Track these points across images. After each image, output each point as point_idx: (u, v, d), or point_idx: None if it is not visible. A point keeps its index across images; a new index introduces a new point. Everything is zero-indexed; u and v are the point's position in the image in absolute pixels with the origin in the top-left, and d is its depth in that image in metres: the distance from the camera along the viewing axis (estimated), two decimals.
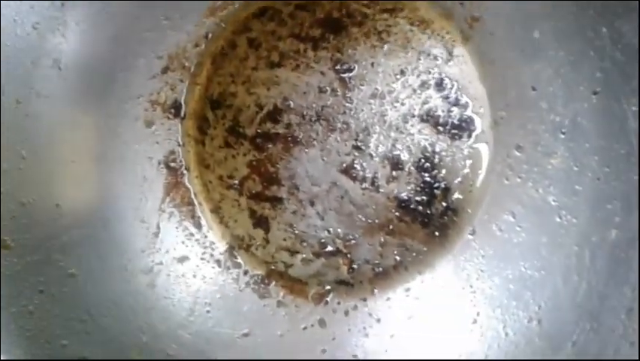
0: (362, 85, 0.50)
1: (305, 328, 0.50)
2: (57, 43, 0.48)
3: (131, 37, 0.51)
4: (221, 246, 0.53)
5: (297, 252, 0.52)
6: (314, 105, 0.51)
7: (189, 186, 0.54)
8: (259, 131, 0.52)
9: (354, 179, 0.50)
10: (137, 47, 0.52)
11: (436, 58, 0.48)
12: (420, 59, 0.48)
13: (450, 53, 0.48)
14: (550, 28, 0.44)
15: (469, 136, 0.48)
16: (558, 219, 0.43)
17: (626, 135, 0.40)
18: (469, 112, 0.48)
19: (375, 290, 0.50)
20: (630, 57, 0.39)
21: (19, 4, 0.46)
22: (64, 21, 0.48)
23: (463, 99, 0.48)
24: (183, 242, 0.53)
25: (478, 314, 0.45)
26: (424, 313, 0.47)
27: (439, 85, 0.48)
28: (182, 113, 0.54)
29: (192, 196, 0.54)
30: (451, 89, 0.48)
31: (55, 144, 0.49)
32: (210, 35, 0.53)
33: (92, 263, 0.49)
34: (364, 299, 0.50)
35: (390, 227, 0.49)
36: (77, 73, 0.49)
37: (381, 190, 0.50)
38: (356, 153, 0.50)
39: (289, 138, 0.52)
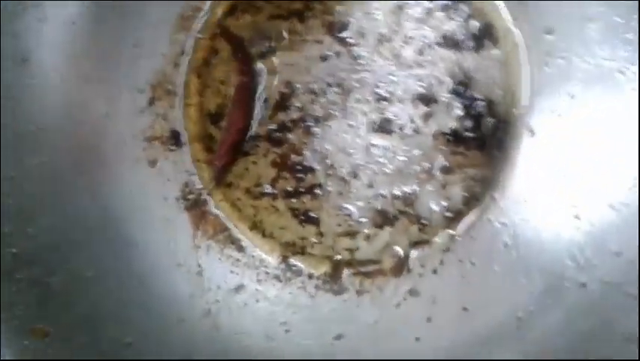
0: (364, 37, 0.46)
1: (398, 304, 0.44)
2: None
3: (107, 77, 0.47)
4: (274, 259, 0.47)
5: (357, 232, 0.46)
6: (321, 76, 0.47)
7: (217, 212, 0.48)
8: (272, 126, 0.48)
9: (389, 132, 0.46)
10: (115, 86, 0.48)
11: None
12: None
13: None
14: None
15: (493, 42, 0.45)
16: (620, 75, 0.40)
17: None
18: (484, 19, 0.45)
19: (455, 235, 0.45)
20: None
21: None
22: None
23: (474, 9, 0.45)
24: (232, 271, 0.47)
25: (576, 206, 0.40)
26: (517, 233, 0.42)
27: (444, 6, 0.45)
28: (184, 140, 0.49)
29: (224, 221, 0.48)
30: (458, 5, 0.45)
31: None
32: (187, 50, 0.49)
33: (146, 328, 0.43)
34: (447, 250, 0.45)
35: (446, 164, 0.45)
36: (61, 133, 0.45)
37: (422, 132, 0.45)
38: (382, 106, 0.46)
39: (307, 120, 0.47)
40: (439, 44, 0.46)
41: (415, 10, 0.46)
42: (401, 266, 0.45)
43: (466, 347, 0.40)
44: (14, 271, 0.39)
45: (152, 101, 0.49)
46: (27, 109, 0.43)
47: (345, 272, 0.46)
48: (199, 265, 0.47)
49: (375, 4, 0.46)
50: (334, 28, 0.47)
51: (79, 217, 0.44)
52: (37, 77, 0.43)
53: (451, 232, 0.45)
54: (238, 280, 0.47)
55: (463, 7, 0.46)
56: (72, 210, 0.44)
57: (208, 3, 0.49)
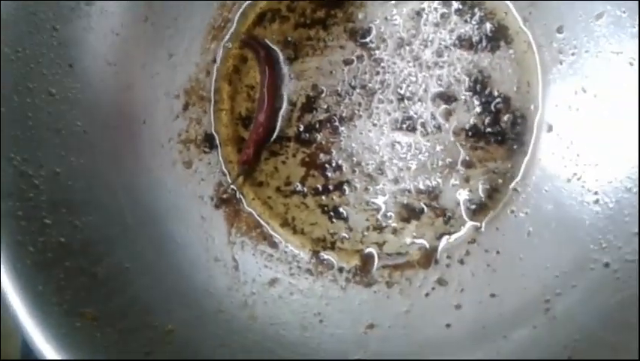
0: (384, 41, 0.49)
1: (427, 294, 0.46)
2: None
3: (145, 85, 0.50)
4: (306, 254, 0.49)
5: (385, 226, 0.48)
6: (345, 79, 0.50)
7: (250, 210, 0.51)
8: (300, 127, 0.51)
9: (412, 130, 0.48)
10: (152, 93, 0.50)
11: None
12: None
13: None
14: None
15: (507, 42, 0.48)
16: (629, 66, 0.42)
17: None
18: (497, 21, 0.48)
19: (480, 227, 0.47)
20: None
21: None
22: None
23: (487, 12, 0.48)
24: (266, 266, 0.49)
25: (596, 193, 0.43)
26: (540, 222, 0.44)
27: (459, 10, 0.48)
28: (217, 143, 0.52)
29: (257, 218, 0.51)
30: (472, 8, 0.48)
31: None
32: (218, 59, 0.52)
33: (187, 317, 0.44)
34: (473, 241, 0.47)
35: (468, 159, 0.48)
36: (103, 136, 0.47)
37: (443, 129, 0.48)
38: (404, 105, 0.49)
39: (333, 120, 0.50)
40: (456, 46, 0.48)
41: (432, 15, 0.49)
42: (429, 258, 0.47)
43: (495, 330, 0.42)
44: (63, 259, 0.41)
45: (186, 107, 0.52)
46: (72, 111, 0.45)
47: (375, 265, 0.48)
48: (235, 260, 0.49)
49: (394, 10, 0.49)
50: (356, 34, 0.50)
51: (120, 214, 0.46)
52: (82, 82, 0.46)
53: (475, 224, 0.47)
54: (272, 274, 0.49)
55: (477, 11, 0.49)
56: (113, 207, 0.46)
57: (236, 15, 0.52)
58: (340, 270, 0.48)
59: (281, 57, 0.52)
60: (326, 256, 0.49)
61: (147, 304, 0.44)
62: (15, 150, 0.42)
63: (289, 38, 0.51)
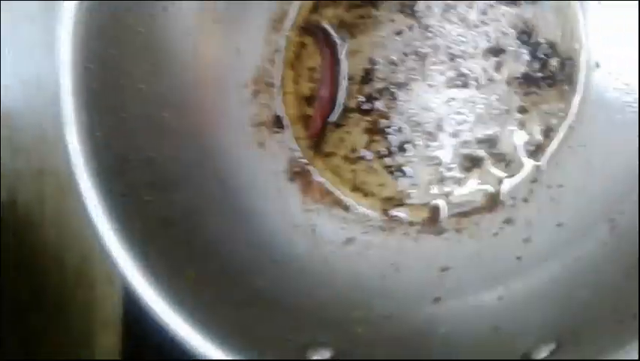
0: (431, 9, 0.53)
1: (496, 233, 0.48)
2: None
3: (217, 78, 0.56)
4: (377, 214, 0.53)
5: (449, 178, 0.51)
6: (398, 49, 0.54)
7: (321, 179, 0.55)
8: (360, 98, 0.55)
9: (466, 85, 0.51)
10: (225, 84, 0.56)
11: None
12: None
13: None
14: None
15: None
16: None
17: None
18: None
19: (540, 166, 0.49)
20: None
21: None
22: None
23: None
24: (342, 228, 0.53)
25: None
26: (597, 152, 0.46)
27: None
28: (286, 123, 0.57)
29: (328, 187, 0.55)
30: None
31: None
32: (281, 48, 0.58)
33: (273, 277, 0.49)
34: (535, 180, 0.49)
35: (522, 104, 0.50)
36: (186, 123, 0.54)
37: (496, 79, 0.51)
38: (456, 63, 0.52)
39: (390, 88, 0.54)
40: (499, 2, 0.51)
41: None
42: (494, 201, 0.50)
43: (564, 253, 0.44)
44: (164, 231, 0.47)
45: (255, 94, 0.57)
46: (159, 104, 0.52)
47: (443, 215, 0.51)
48: (312, 225, 0.53)
49: None
50: (404, 6, 0.54)
51: (208, 190, 0.52)
52: (164, 79, 0.53)
53: (535, 163, 0.49)
54: (347, 234, 0.53)
55: None
56: (202, 184, 0.52)
57: (296, 4, 0.57)
58: (411, 224, 0.52)
59: (337, 38, 0.56)
60: (396, 213, 0.52)
61: (236, 269, 0.49)
62: (115, 139, 0.49)
63: (343, 20, 0.56)
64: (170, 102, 0.53)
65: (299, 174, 0.55)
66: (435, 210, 0.51)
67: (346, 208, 0.54)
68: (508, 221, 0.48)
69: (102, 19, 0.50)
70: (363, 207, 0.53)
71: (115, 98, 0.51)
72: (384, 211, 0.53)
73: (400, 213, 0.52)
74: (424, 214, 0.52)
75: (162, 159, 0.52)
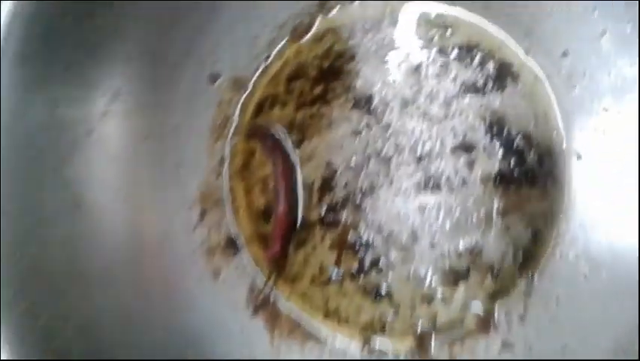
0: (389, 104, 0.47)
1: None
2: None
3: (155, 203, 0.49)
4: (356, 344, 0.46)
5: (433, 296, 0.45)
6: (358, 151, 0.48)
7: (288, 307, 0.48)
8: (322, 210, 0.48)
9: (437, 188, 0.46)
10: (165, 209, 0.49)
11: (432, 39, 0.47)
12: (423, 48, 0.47)
13: (446, 26, 0.47)
14: None
15: (513, 78, 0.45)
16: None
17: None
18: (498, 59, 0.46)
19: (532, 277, 0.43)
20: None
21: None
22: None
23: (485, 52, 0.46)
24: None
25: None
26: (593, 259, 0.41)
27: (457, 56, 0.46)
28: (241, 244, 0.50)
29: (297, 317, 0.48)
30: (469, 52, 0.46)
31: None
32: (226, 158, 0.51)
33: None
34: (528, 294, 0.43)
35: (502, 206, 0.44)
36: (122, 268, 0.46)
37: (470, 180, 0.45)
38: (424, 164, 0.46)
39: (354, 196, 0.48)
40: (462, 93, 0.46)
41: (431, 68, 0.47)
42: (486, 322, 0.44)
43: None
44: None
45: (203, 214, 0.50)
46: (87, 251, 0.44)
47: (432, 342, 0.45)
48: None
49: (391, 71, 0.48)
50: (359, 103, 0.48)
51: (159, 345, 0.44)
52: (92, 218, 0.45)
53: (526, 275, 0.43)
54: None
55: (475, 53, 0.47)
56: (149, 342, 0.44)
57: (236, 109, 0.51)
58: (397, 354, 0.45)
59: (288, 142, 0.50)
60: (379, 343, 0.46)
61: None
62: (39, 305, 0.41)
63: (293, 121, 0.50)
64: (101, 244, 0.45)
65: (263, 306, 0.48)
66: (422, 336, 0.45)
67: (318, 341, 0.47)
68: (507, 345, 0.42)
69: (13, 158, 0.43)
70: (340, 337, 0.47)
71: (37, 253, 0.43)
72: (365, 341, 0.46)
73: (382, 342, 0.46)
74: (410, 343, 0.45)
75: (98, 320, 0.44)
